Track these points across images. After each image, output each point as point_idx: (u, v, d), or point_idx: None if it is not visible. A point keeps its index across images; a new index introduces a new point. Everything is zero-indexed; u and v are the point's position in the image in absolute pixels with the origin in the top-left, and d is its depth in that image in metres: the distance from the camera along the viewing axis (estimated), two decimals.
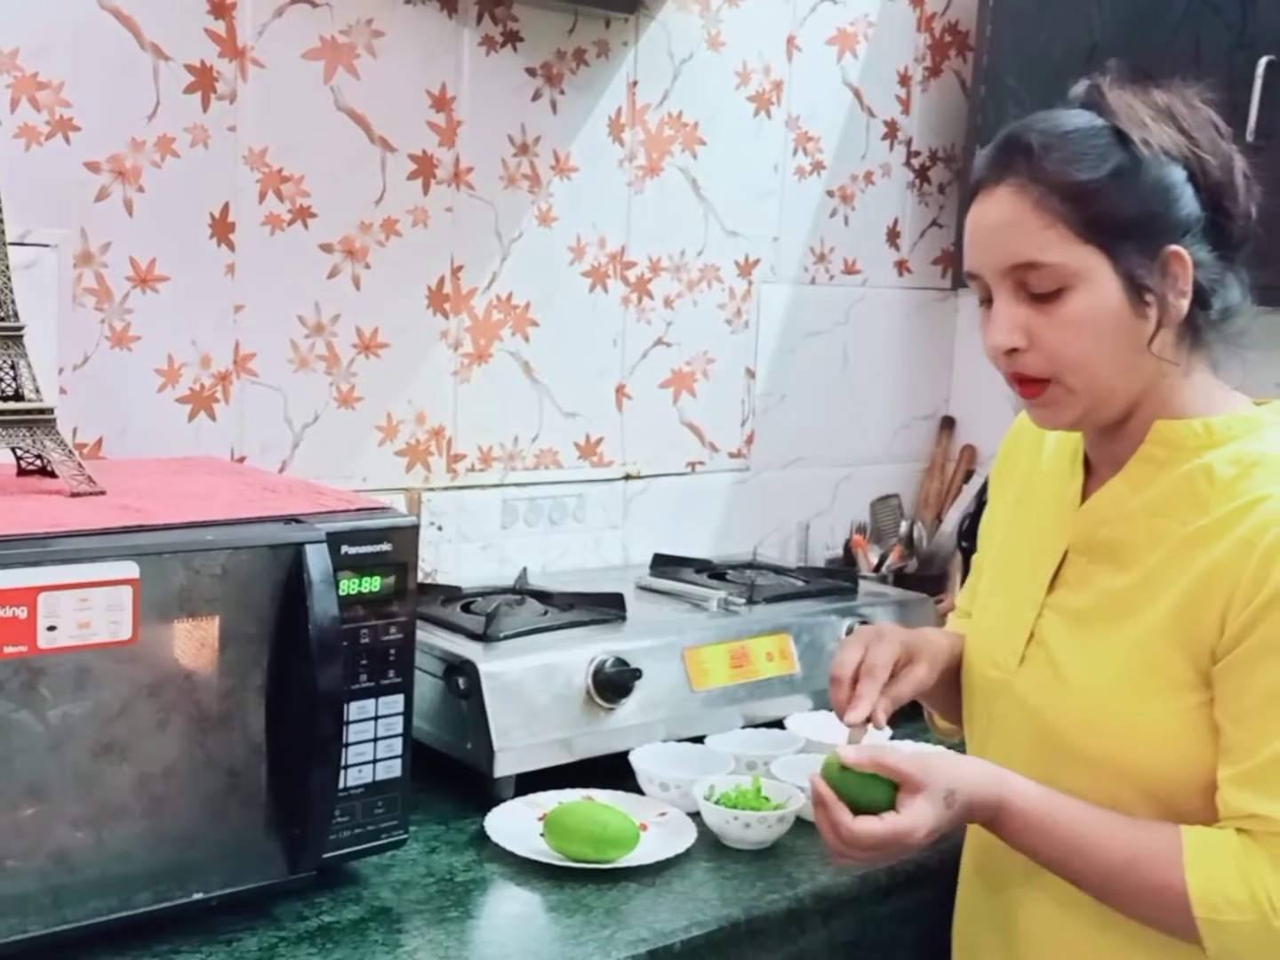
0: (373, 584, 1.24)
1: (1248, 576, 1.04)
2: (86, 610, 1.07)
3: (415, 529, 1.28)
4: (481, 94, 1.80)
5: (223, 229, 1.62)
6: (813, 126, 2.16)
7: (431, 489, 1.84)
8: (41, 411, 1.27)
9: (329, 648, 1.18)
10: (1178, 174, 1.09)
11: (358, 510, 1.28)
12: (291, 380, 1.70)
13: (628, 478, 2.04)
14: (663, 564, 1.96)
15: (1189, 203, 1.09)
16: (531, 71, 1.84)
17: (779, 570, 2.00)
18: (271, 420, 1.69)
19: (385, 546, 1.25)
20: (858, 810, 1.10)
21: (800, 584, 1.92)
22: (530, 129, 1.86)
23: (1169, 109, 1.11)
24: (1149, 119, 1.10)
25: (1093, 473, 1.21)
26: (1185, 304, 1.10)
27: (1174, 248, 1.09)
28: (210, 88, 1.59)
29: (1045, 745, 1.16)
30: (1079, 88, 1.14)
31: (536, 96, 1.86)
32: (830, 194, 2.20)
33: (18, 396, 1.27)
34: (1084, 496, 1.20)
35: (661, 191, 2.00)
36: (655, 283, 2.02)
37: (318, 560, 1.18)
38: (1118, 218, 1.07)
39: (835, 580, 1.95)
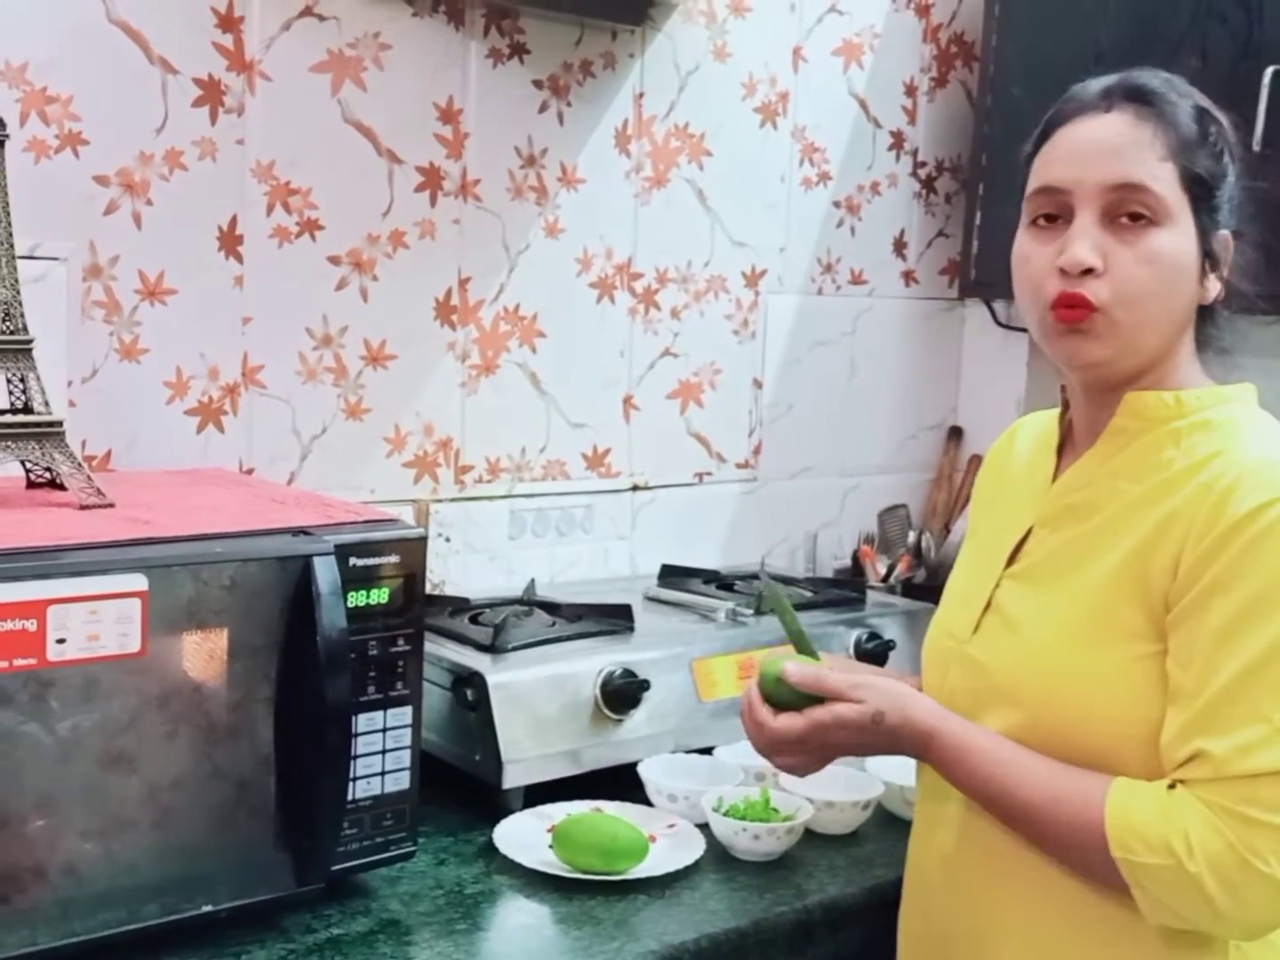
0: (381, 596, 1.24)
1: (1203, 517, 1.05)
2: (95, 623, 1.07)
3: (423, 540, 1.28)
4: (488, 106, 1.81)
5: (231, 241, 1.63)
6: (819, 137, 2.16)
7: (439, 500, 1.84)
8: (50, 424, 1.27)
9: (337, 660, 1.18)
10: (1236, 181, 1.14)
11: (365, 522, 1.28)
12: (300, 392, 1.70)
13: (635, 488, 2.04)
14: (671, 575, 1.96)
15: (1239, 207, 1.14)
16: (538, 84, 1.85)
17: (787, 580, 1.99)
18: (280, 432, 1.69)
19: (393, 558, 1.25)
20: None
21: (808, 594, 1.92)
22: (537, 141, 1.86)
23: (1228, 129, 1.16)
24: (1225, 122, 1.15)
25: (1067, 454, 1.22)
26: (1220, 289, 1.14)
27: (1226, 233, 1.13)
28: (218, 101, 1.59)
29: (995, 701, 1.15)
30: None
31: (543, 109, 1.86)
32: (837, 204, 2.20)
33: (27, 409, 1.27)
34: (1056, 478, 1.22)
35: (668, 203, 2.01)
36: (662, 294, 2.02)
37: (326, 572, 1.18)
38: (1210, 183, 1.11)
39: (843, 591, 1.95)
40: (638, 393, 2.02)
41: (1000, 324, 2.31)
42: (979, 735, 1.13)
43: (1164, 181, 1.09)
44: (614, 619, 1.68)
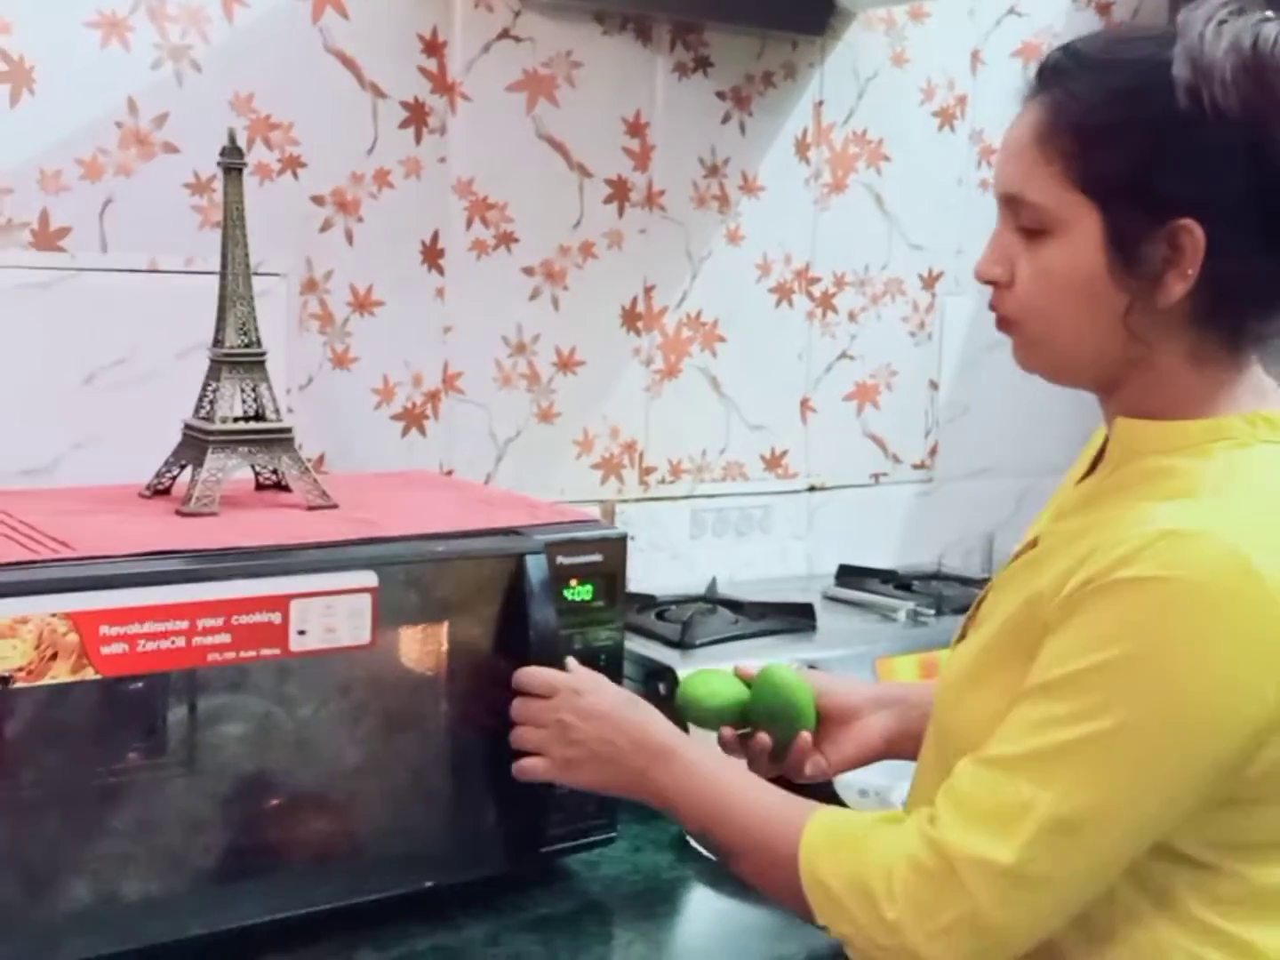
0: (585, 592, 1.30)
1: (1079, 576, 0.92)
2: (331, 616, 1.15)
3: (624, 540, 1.34)
4: (674, 119, 1.86)
5: (433, 255, 1.71)
6: (997, 139, 2.14)
7: (624, 500, 1.90)
8: (281, 431, 1.37)
9: (549, 652, 1.24)
10: (1235, 141, 0.91)
11: (571, 522, 1.34)
12: (496, 397, 1.78)
13: (812, 489, 2.08)
14: (848, 574, 1.99)
15: (1236, 176, 0.92)
16: (721, 95, 1.90)
17: (965, 581, 2.01)
18: (477, 435, 1.77)
19: (596, 557, 1.31)
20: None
21: None
22: (720, 151, 1.91)
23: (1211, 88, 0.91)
24: (1233, 73, 0.91)
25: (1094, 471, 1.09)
26: (1182, 287, 0.93)
27: (1186, 221, 0.92)
28: (423, 122, 1.68)
29: (936, 738, 1.10)
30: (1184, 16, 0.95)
31: (726, 119, 1.91)
32: None
33: (259, 417, 1.37)
34: None
35: (846, 208, 2.04)
36: (839, 297, 2.06)
37: (537, 570, 1.25)
38: (1127, 172, 0.94)
39: None
40: (815, 395, 2.06)
41: None
42: (708, 760, 1.10)
43: (1044, 188, 0.95)
44: (797, 617, 1.72)
